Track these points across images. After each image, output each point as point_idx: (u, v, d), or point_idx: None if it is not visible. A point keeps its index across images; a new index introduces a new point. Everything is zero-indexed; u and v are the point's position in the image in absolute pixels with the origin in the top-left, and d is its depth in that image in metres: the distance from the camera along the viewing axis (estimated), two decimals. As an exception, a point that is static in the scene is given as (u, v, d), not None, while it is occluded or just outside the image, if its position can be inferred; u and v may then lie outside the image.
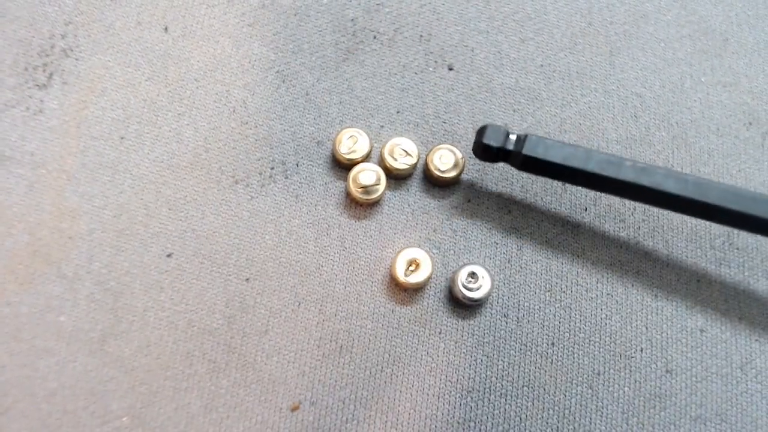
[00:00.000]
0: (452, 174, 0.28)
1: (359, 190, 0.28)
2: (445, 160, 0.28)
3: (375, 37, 0.31)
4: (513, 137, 0.27)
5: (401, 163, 0.29)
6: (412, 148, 0.29)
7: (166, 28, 0.31)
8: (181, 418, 0.26)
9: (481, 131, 0.27)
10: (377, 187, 0.28)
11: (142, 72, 0.30)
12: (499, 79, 0.31)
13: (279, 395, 0.27)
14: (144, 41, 0.30)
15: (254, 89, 0.30)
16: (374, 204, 0.29)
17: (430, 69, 0.31)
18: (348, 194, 0.29)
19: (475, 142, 0.27)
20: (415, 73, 0.31)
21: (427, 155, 0.29)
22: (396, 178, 0.29)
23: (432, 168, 0.28)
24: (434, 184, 0.29)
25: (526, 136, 0.27)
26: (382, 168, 0.29)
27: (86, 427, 0.26)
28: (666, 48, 0.32)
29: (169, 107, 0.30)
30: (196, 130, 0.30)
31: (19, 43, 0.30)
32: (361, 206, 0.29)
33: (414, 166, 0.29)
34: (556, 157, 0.26)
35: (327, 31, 0.31)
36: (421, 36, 0.31)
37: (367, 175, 0.28)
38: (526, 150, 0.26)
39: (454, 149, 0.29)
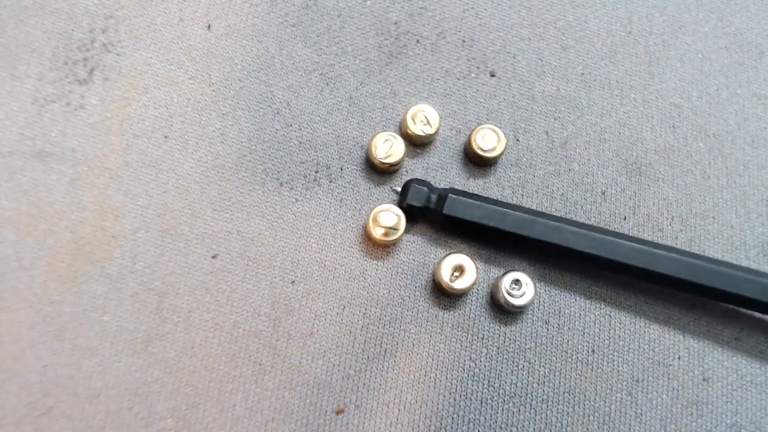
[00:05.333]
0: (494, 154, 0.29)
1: (380, 231, 0.27)
2: (488, 140, 0.29)
3: (418, 41, 0.31)
4: (435, 196, 0.27)
5: (419, 129, 0.29)
6: (435, 118, 0.29)
7: (209, 26, 0.30)
8: (225, 420, 0.26)
9: (404, 190, 0.28)
10: (396, 230, 0.27)
11: (185, 70, 0.30)
12: (541, 87, 0.31)
13: (324, 398, 0.27)
14: (187, 39, 0.30)
15: (298, 91, 0.30)
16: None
17: (473, 75, 0.31)
18: (367, 235, 0.28)
19: (399, 201, 0.28)
20: (458, 79, 0.31)
21: (470, 134, 0.29)
22: (413, 144, 0.29)
23: (474, 147, 0.29)
24: (475, 163, 0.29)
25: (447, 194, 0.27)
26: (402, 132, 0.29)
27: (130, 428, 0.26)
28: (703, 59, 0.32)
29: (213, 107, 0.29)
30: (240, 130, 0.29)
31: (59, 37, 0.30)
32: (404, 211, 0.29)
33: (431, 137, 0.29)
34: (474, 216, 0.27)
35: (370, 34, 0.31)
36: (463, 41, 0.31)
37: (388, 216, 0.27)
38: (447, 209, 0.27)
39: (497, 129, 0.29)
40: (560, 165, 0.30)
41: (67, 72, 0.29)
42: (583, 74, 0.31)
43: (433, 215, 0.28)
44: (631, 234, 0.30)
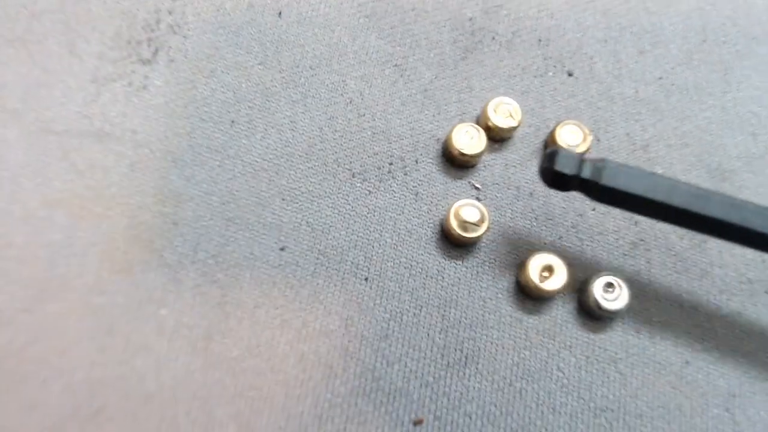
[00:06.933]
0: (579, 150, 0.27)
1: (462, 227, 0.26)
2: (573, 135, 0.28)
3: (493, 38, 0.30)
4: (588, 164, 0.24)
5: (501, 121, 0.27)
6: (518, 111, 0.28)
7: (279, 13, 0.29)
8: (292, 428, 0.24)
9: (551, 156, 0.24)
10: (478, 227, 0.26)
11: (254, 56, 0.28)
12: (619, 89, 0.30)
13: (401, 407, 0.24)
14: (257, 24, 0.29)
15: (371, 81, 0.29)
16: (497, 208, 0.27)
17: (550, 74, 0.30)
18: (446, 230, 0.27)
19: (544, 168, 0.25)
20: (535, 77, 0.30)
21: (553, 129, 0.28)
22: (493, 138, 0.28)
23: (560, 142, 0.27)
24: None
25: (603, 162, 0.24)
26: (482, 124, 0.28)
27: (186, 434, 0.23)
28: (778, 70, 0.32)
29: (283, 93, 0.28)
30: (311, 119, 0.28)
31: (122, 15, 0.28)
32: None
33: (512, 131, 0.28)
34: (637, 188, 0.24)
35: (445, 28, 0.30)
36: (539, 40, 0.30)
37: (470, 211, 0.26)
38: (605, 180, 0.24)
39: (582, 126, 0.28)
40: (643, 168, 0.29)
41: (129, 51, 0.28)
42: (660, 78, 0.31)
43: (585, 186, 0.24)
44: (718, 241, 0.28)
